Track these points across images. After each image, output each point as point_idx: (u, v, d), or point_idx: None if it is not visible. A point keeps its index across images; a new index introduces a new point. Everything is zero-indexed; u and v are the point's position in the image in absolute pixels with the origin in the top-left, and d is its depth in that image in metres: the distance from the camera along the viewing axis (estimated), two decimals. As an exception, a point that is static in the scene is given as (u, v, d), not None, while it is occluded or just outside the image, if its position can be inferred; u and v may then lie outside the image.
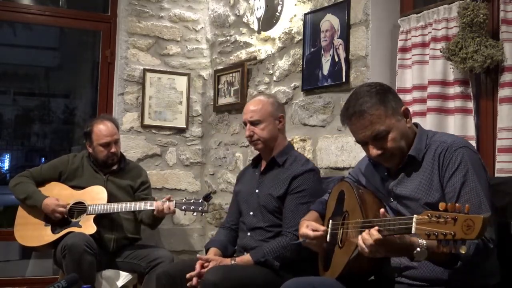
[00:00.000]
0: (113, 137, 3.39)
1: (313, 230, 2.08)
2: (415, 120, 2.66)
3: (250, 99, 2.90)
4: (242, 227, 2.74)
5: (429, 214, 1.46)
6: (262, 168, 2.77)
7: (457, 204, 1.43)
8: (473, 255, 1.64)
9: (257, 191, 2.69)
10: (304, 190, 2.55)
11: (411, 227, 1.51)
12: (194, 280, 2.45)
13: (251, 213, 2.68)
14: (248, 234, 2.66)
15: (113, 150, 3.38)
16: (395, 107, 1.88)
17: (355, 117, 1.87)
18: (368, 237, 1.64)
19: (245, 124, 2.77)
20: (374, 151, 1.87)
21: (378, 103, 1.84)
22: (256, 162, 2.86)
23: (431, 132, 1.96)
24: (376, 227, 1.63)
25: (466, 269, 1.69)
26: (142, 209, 3.23)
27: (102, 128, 3.37)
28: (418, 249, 1.58)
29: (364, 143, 1.90)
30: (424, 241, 1.59)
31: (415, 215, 1.51)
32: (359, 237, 1.68)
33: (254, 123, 2.70)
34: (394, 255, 1.81)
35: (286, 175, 2.62)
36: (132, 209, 3.25)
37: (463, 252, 1.41)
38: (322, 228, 2.09)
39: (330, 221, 2.11)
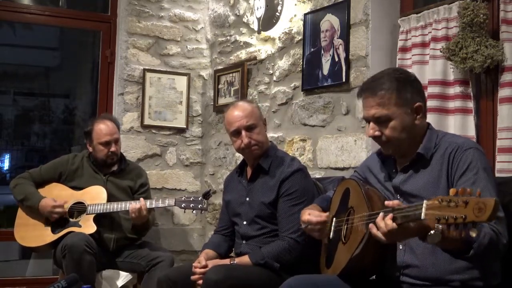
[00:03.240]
0: (113, 136, 3.39)
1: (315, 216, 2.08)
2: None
3: (230, 108, 2.66)
4: (237, 236, 2.71)
5: (440, 199, 1.45)
6: (249, 175, 2.69)
7: (468, 189, 1.42)
8: (487, 244, 1.62)
9: (247, 199, 2.64)
10: (294, 191, 2.51)
11: (421, 212, 1.49)
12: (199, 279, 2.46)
13: (245, 222, 2.63)
14: (244, 242, 2.63)
15: (113, 149, 3.37)
16: (409, 99, 1.88)
17: (367, 92, 1.91)
18: (382, 225, 1.62)
19: (237, 134, 2.58)
20: (371, 131, 1.91)
21: (393, 88, 1.86)
22: (241, 169, 2.76)
23: (441, 133, 1.96)
24: (391, 215, 1.61)
25: (478, 260, 1.66)
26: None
27: (102, 127, 3.37)
28: (432, 231, 1.53)
29: (367, 120, 1.94)
30: (440, 225, 1.58)
31: (425, 200, 1.50)
32: (371, 225, 1.66)
33: (250, 128, 2.57)
34: (407, 239, 1.78)
35: (275, 180, 2.56)
36: (132, 209, 3.24)
37: (474, 235, 1.39)
38: (325, 214, 2.08)
39: (334, 219, 2.10)
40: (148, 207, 3.17)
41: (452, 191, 1.44)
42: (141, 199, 3.16)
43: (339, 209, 2.11)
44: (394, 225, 1.59)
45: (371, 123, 1.91)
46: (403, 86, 1.88)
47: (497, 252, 1.69)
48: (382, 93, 1.86)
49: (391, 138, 1.88)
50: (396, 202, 1.65)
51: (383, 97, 1.86)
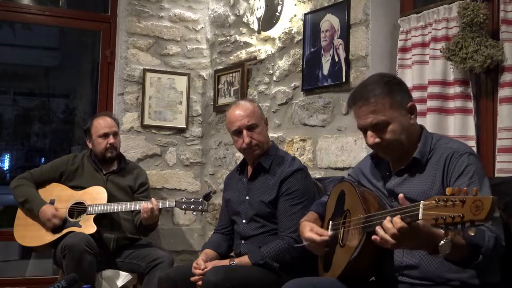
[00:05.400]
0: (112, 129, 3.42)
1: (318, 234, 2.04)
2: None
3: (232, 107, 2.66)
4: (236, 235, 2.71)
5: (436, 199, 1.44)
6: (249, 174, 2.69)
7: (464, 188, 1.40)
8: (493, 248, 1.62)
9: (247, 198, 2.64)
10: (295, 191, 2.51)
11: (418, 213, 1.48)
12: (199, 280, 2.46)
13: (244, 221, 2.63)
14: (243, 242, 2.63)
15: (111, 141, 3.39)
16: (401, 101, 1.87)
17: (360, 102, 1.88)
18: (390, 225, 1.58)
19: (238, 133, 2.59)
20: (371, 139, 1.88)
21: (384, 93, 1.85)
22: (241, 168, 2.77)
23: (436, 136, 1.96)
24: (399, 215, 1.58)
25: (486, 265, 1.65)
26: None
27: (101, 121, 3.43)
28: (443, 241, 1.51)
29: (364, 130, 1.91)
30: (449, 235, 1.57)
31: (422, 201, 1.49)
32: (377, 228, 1.62)
33: (251, 128, 2.57)
34: (417, 248, 1.73)
35: (275, 179, 2.56)
36: (132, 209, 3.24)
37: (472, 234, 1.36)
38: (328, 233, 2.05)
39: (330, 222, 2.10)
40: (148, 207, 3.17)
41: (448, 190, 1.43)
42: (153, 199, 3.15)
43: (335, 212, 2.10)
44: (404, 224, 1.55)
45: (369, 132, 1.88)
46: (394, 89, 1.87)
47: (499, 254, 1.69)
48: (376, 99, 1.84)
49: (391, 141, 1.86)
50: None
51: (377, 103, 1.84)
